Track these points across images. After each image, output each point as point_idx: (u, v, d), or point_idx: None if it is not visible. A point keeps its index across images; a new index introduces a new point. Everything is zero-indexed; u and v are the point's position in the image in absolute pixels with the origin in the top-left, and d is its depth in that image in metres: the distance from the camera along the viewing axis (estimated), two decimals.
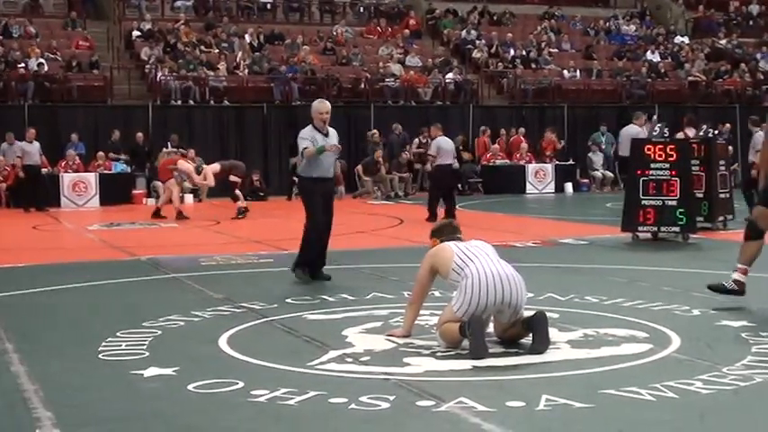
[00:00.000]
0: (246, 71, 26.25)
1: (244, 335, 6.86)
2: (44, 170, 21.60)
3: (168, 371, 5.69)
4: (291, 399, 5.03)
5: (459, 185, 22.33)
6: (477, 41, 30.37)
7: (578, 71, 29.73)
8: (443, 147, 16.73)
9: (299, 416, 4.80)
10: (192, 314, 7.62)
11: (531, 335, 6.16)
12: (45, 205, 20.53)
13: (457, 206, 16.79)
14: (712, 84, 30.25)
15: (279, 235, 14.37)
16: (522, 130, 26.53)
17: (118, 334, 6.82)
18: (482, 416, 4.68)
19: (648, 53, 31.48)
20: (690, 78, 30.30)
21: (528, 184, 25.22)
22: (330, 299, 8.40)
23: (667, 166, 12.62)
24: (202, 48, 26.89)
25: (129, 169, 23.15)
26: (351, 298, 8.40)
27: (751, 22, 35.74)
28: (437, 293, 7.39)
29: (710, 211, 13.89)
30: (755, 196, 9.27)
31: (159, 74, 24.97)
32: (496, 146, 25.84)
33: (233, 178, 18.32)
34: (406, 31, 30.58)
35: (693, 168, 13.37)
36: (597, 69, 29.95)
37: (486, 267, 6.18)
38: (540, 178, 25.38)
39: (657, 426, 4.57)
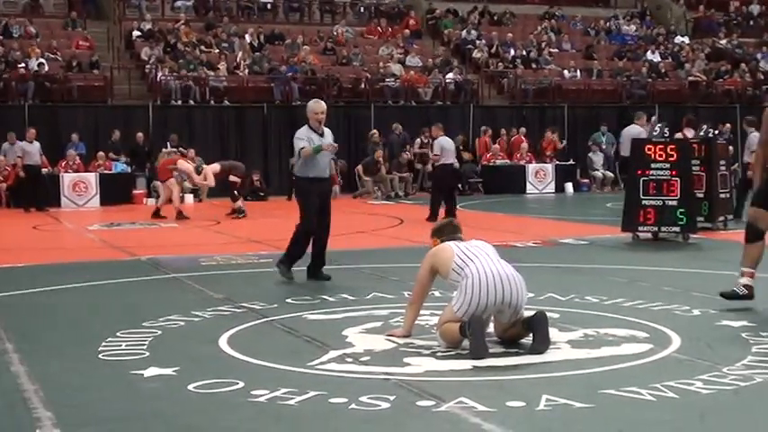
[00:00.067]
0: (247, 71, 26.24)
1: (244, 335, 6.85)
2: (44, 170, 21.60)
3: (168, 371, 5.69)
4: (292, 399, 5.03)
5: (460, 185, 22.32)
6: (478, 41, 30.37)
7: (579, 71, 29.72)
8: (446, 147, 16.75)
9: (300, 416, 4.80)
10: (193, 314, 7.61)
11: (531, 335, 6.16)
12: (45, 205, 20.53)
13: (458, 206, 16.79)
14: (713, 84, 30.25)
15: (279, 235, 14.25)
16: (522, 130, 26.53)
17: (118, 334, 6.82)
18: (482, 416, 4.67)
19: (649, 53, 31.47)
20: (690, 78, 30.30)
21: (528, 184, 25.20)
22: (330, 299, 8.40)
23: (668, 166, 12.62)
24: (202, 48, 26.89)
25: (129, 169, 23.16)
26: (351, 298, 8.39)
27: (751, 22, 35.74)
28: (437, 293, 7.38)
29: (711, 211, 13.89)
30: (745, 196, 9.23)
31: (159, 74, 24.97)
32: (497, 146, 25.83)
33: (233, 178, 18.31)
34: (407, 31, 30.57)
35: (694, 168, 13.37)
36: (597, 69, 29.95)
37: (486, 267, 6.18)
38: (540, 178, 25.37)
39: (657, 426, 4.56)
